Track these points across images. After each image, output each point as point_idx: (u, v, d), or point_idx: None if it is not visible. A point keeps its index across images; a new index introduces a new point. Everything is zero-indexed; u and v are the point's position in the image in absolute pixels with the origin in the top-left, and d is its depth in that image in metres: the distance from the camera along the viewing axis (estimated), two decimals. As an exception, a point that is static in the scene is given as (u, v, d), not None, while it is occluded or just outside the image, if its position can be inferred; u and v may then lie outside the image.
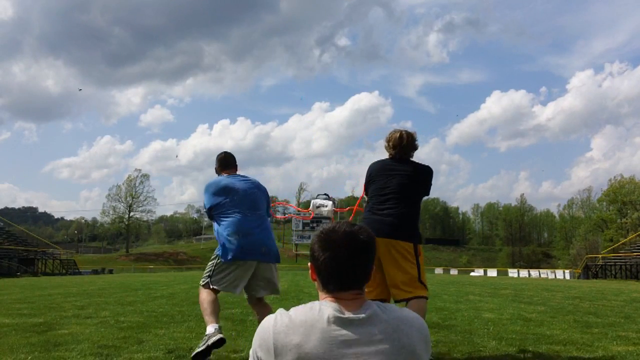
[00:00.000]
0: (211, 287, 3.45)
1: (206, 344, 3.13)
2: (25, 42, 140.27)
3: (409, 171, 3.40)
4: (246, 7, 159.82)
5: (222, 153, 3.86)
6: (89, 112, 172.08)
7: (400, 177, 3.39)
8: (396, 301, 3.18)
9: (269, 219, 3.83)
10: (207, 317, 3.34)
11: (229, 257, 3.39)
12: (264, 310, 3.55)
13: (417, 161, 3.51)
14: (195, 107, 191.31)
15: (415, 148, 3.50)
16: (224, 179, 3.69)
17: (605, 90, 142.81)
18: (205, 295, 3.46)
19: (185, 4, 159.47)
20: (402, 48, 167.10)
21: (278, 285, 3.56)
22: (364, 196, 3.50)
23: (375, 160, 3.61)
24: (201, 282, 3.49)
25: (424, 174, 3.44)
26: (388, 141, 3.49)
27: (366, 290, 3.35)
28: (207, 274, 3.48)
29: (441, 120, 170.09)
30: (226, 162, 3.80)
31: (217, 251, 3.47)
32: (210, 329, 3.26)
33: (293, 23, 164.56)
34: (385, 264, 3.20)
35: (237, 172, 3.84)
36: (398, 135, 3.44)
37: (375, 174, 3.44)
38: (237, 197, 3.56)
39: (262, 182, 3.93)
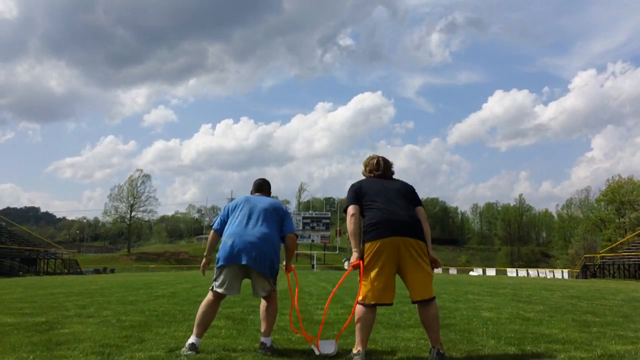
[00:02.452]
0: (213, 289, 3.65)
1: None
2: (30, 42, 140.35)
3: (399, 182, 3.63)
4: (249, 8, 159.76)
5: (259, 179, 4.20)
6: (93, 112, 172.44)
7: (395, 184, 3.58)
8: (416, 301, 3.29)
9: (288, 239, 3.82)
10: (194, 327, 3.61)
11: (217, 263, 3.64)
12: (265, 305, 3.72)
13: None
14: (198, 107, 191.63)
15: (392, 173, 3.73)
16: (247, 195, 4.02)
17: (608, 90, 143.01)
18: (203, 302, 3.69)
19: (188, 5, 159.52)
20: (404, 48, 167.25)
21: (262, 290, 3.69)
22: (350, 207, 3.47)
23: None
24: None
25: (412, 189, 3.61)
26: (365, 166, 3.75)
27: (384, 291, 3.32)
28: (213, 279, 3.72)
29: (443, 120, 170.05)
30: (258, 186, 4.15)
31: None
32: (188, 340, 3.54)
33: (296, 23, 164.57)
34: (406, 264, 3.28)
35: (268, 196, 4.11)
36: (375, 161, 3.69)
37: (367, 185, 3.54)
38: (244, 209, 3.81)
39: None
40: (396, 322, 5.36)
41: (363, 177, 3.75)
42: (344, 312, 6.26)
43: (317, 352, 3.46)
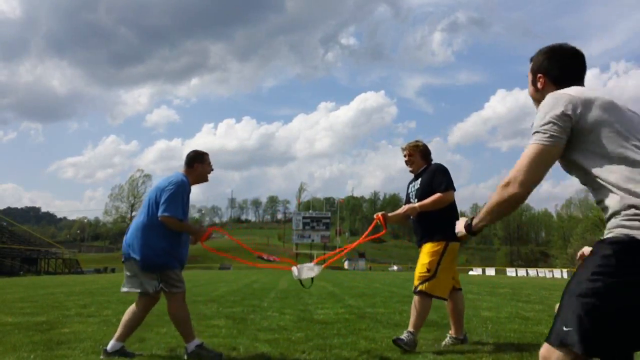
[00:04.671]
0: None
1: None
2: (32, 42, 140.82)
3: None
4: (252, 7, 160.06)
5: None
6: (95, 112, 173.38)
7: None
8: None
9: (165, 217, 3.26)
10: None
11: None
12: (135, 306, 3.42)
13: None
14: (201, 107, 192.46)
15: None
16: None
17: (611, 90, 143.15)
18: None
19: (190, 4, 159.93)
20: (406, 47, 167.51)
21: (142, 285, 3.32)
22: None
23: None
24: None
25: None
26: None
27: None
28: None
29: (444, 119, 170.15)
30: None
31: None
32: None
33: (298, 22, 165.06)
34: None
35: (180, 171, 3.62)
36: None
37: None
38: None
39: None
40: (396, 321, 5.38)
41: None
42: (344, 312, 6.28)
43: (295, 275, 3.39)
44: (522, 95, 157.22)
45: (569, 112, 1.56)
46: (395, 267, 62.78)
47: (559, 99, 1.60)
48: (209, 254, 75.53)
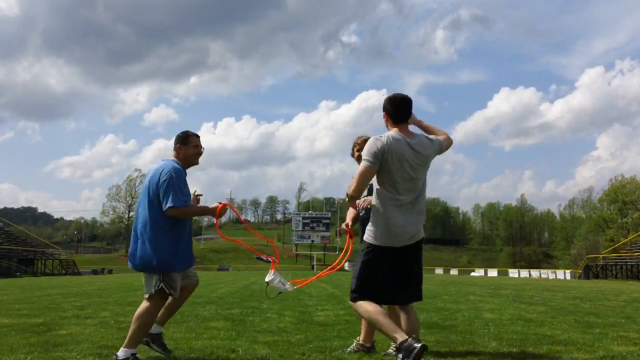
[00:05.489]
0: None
1: None
2: (30, 40, 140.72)
3: None
4: (252, 4, 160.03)
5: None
6: (93, 111, 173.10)
7: None
8: None
9: (170, 209, 3.13)
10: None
11: None
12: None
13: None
14: (200, 105, 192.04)
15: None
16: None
17: (615, 88, 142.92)
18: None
19: (189, 1, 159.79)
20: (409, 45, 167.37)
21: (147, 288, 3.27)
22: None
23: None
24: None
25: None
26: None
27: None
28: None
29: (447, 118, 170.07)
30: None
31: None
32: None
33: (299, 19, 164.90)
34: None
35: (171, 157, 3.43)
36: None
37: None
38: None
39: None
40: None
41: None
42: (344, 314, 6.22)
43: (268, 277, 3.24)
44: (526, 94, 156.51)
45: (379, 154, 2.86)
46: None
47: (377, 143, 2.88)
48: (208, 255, 75.53)
